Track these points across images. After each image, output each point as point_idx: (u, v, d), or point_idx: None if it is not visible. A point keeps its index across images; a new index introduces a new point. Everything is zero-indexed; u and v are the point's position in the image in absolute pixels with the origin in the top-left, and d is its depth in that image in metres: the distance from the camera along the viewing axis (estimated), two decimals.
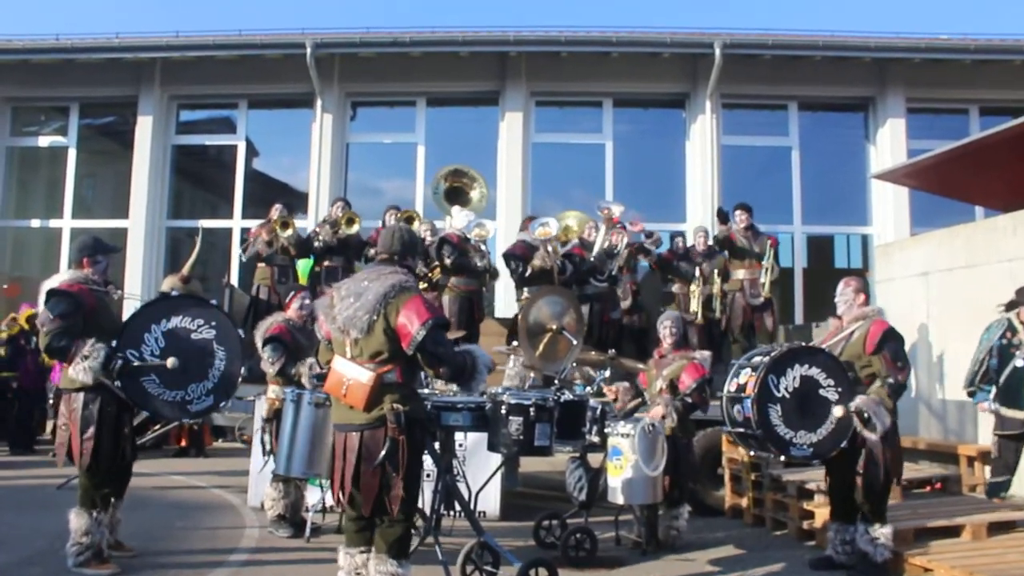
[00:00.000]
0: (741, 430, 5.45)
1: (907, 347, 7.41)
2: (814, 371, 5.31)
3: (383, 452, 4.05)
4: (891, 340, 5.44)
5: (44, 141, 13.99)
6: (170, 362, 4.86)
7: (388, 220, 9.48)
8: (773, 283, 9.49)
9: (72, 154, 13.53)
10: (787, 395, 5.25)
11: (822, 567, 5.63)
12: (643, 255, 9.84)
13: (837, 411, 5.22)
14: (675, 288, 9.75)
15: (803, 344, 5.77)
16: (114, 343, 4.87)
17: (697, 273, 9.60)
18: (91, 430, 5.00)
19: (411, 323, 4.05)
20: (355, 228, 9.61)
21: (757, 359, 5.49)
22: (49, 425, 11.51)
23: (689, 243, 10.12)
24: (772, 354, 5.40)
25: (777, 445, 5.25)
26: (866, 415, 5.22)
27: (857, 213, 12.96)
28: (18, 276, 13.70)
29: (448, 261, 8.61)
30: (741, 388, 5.39)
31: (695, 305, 9.49)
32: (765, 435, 5.22)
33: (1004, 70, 12.32)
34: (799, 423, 5.26)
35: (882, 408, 5.24)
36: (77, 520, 5.09)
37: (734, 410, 5.45)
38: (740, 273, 9.60)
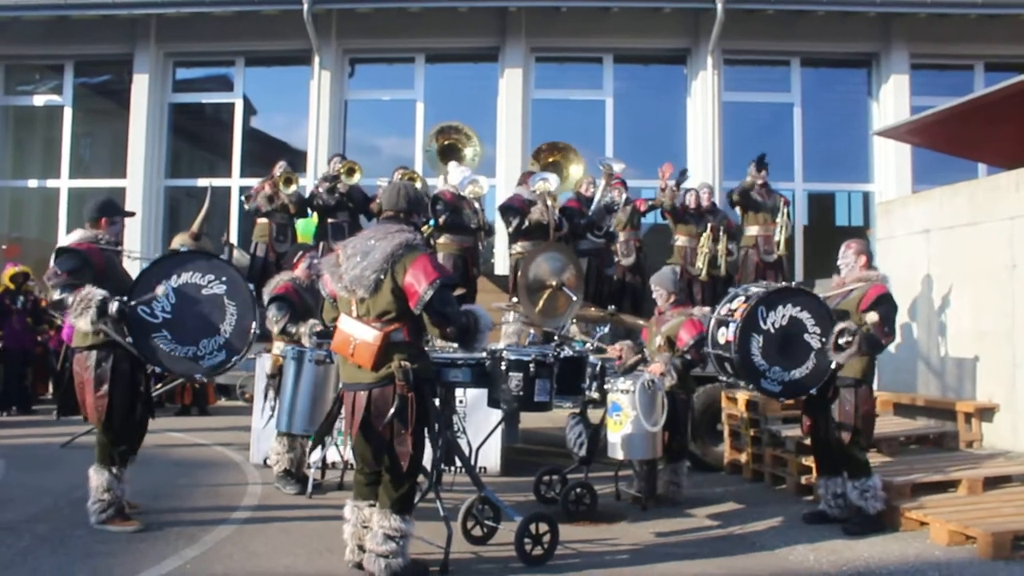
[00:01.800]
0: (720, 352, 5.52)
1: (907, 304, 7.46)
2: (804, 315, 5.39)
3: (392, 409, 4.08)
4: (885, 303, 5.51)
5: (39, 100, 13.81)
6: (160, 289, 4.83)
7: (396, 179, 9.40)
8: (787, 240, 9.48)
9: (68, 113, 13.37)
10: (772, 329, 5.34)
11: (816, 521, 5.71)
12: (654, 202, 9.75)
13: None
14: (680, 242, 9.67)
15: (801, 287, 5.78)
16: (125, 298, 4.85)
17: (708, 229, 9.50)
18: (104, 387, 5.05)
19: (418, 282, 4.06)
20: (356, 178, 9.55)
21: (754, 290, 5.56)
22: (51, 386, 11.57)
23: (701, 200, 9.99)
24: (769, 287, 5.48)
25: (749, 373, 5.34)
26: (847, 338, 5.26)
27: (859, 170, 12.86)
28: (16, 236, 13.63)
29: (441, 219, 8.56)
30: (731, 312, 5.47)
31: (701, 261, 9.44)
32: (740, 361, 5.29)
33: (1011, 25, 12.11)
34: (776, 359, 5.35)
35: (864, 337, 5.27)
36: (97, 477, 5.16)
37: (719, 332, 5.52)
38: (754, 230, 9.57)
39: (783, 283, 5.61)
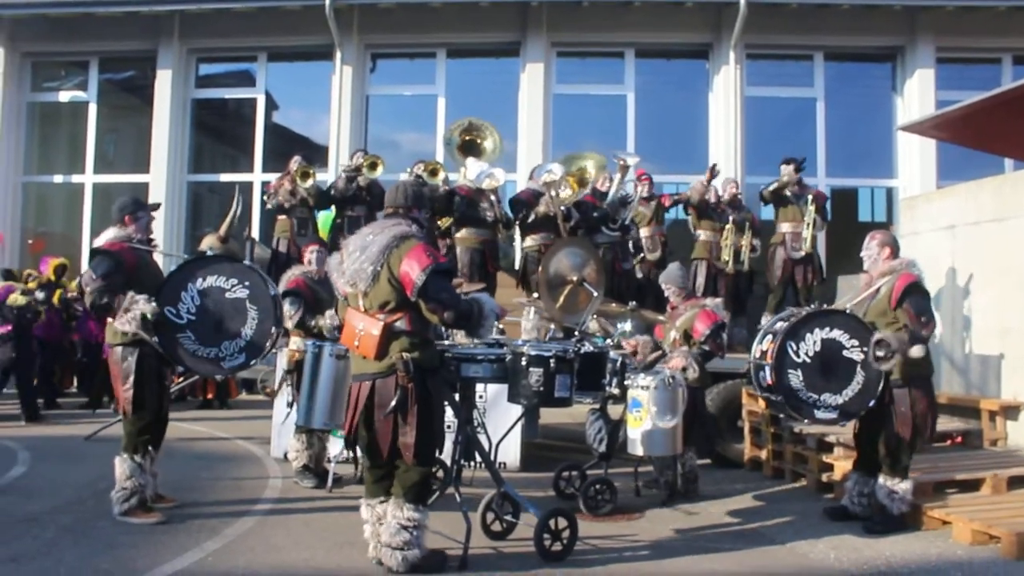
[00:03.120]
0: (767, 395, 5.50)
1: (931, 300, 7.38)
2: (836, 333, 5.31)
3: (394, 401, 4.14)
4: (914, 293, 5.38)
5: (64, 96, 13.95)
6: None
7: (416, 171, 9.41)
8: (814, 237, 9.38)
9: (93, 109, 13.47)
10: (808, 359, 5.26)
11: (837, 517, 5.67)
12: (679, 196, 9.71)
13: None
14: (704, 237, 9.59)
15: (821, 307, 5.73)
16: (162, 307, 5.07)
17: (730, 222, 9.48)
18: (130, 380, 5.24)
19: (412, 270, 4.16)
20: (379, 171, 9.57)
21: (779, 325, 5.49)
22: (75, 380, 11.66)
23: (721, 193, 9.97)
24: (790, 320, 5.40)
25: (800, 409, 5.28)
26: (885, 350, 5.17)
27: (882, 165, 12.71)
28: (42, 231, 13.81)
29: (457, 213, 8.58)
30: (764, 355, 5.42)
31: (726, 254, 9.41)
32: (787, 400, 5.25)
33: None
34: (823, 386, 5.27)
35: (903, 341, 5.18)
36: (121, 466, 5.30)
37: (759, 376, 5.47)
38: (785, 226, 9.50)
39: (805, 311, 5.52)
